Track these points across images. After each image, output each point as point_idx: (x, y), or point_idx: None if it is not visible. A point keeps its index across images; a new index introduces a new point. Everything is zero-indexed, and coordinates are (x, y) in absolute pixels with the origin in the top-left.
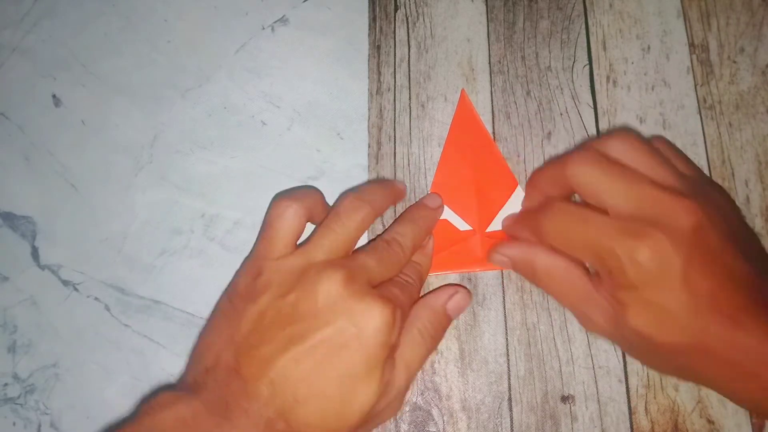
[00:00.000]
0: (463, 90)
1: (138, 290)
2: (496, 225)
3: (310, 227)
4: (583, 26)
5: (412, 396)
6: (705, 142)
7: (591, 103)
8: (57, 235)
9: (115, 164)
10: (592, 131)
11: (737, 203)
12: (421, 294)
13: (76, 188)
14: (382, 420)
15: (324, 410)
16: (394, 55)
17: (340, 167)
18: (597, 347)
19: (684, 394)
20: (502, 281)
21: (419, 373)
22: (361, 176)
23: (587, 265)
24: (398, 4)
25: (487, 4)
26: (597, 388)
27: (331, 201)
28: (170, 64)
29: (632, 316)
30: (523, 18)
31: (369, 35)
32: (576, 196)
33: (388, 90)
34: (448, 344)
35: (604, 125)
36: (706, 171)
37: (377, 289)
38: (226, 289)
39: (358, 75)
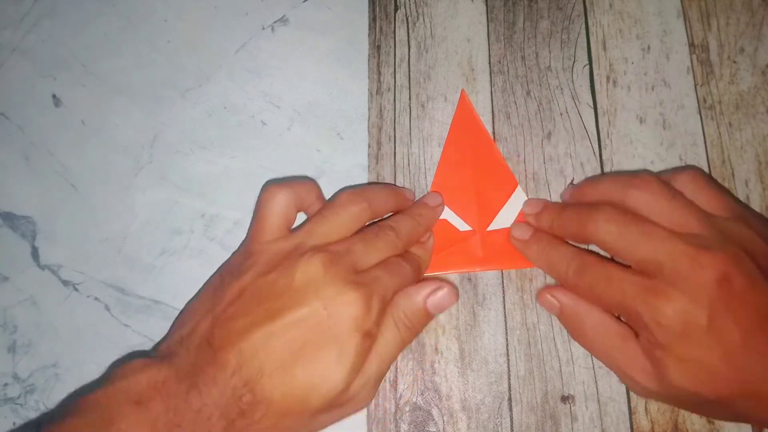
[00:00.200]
0: (463, 90)
1: (138, 290)
2: (496, 225)
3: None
4: (583, 26)
5: (412, 396)
6: (705, 142)
7: (591, 103)
8: (57, 235)
9: (115, 164)
10: (592, 131)
11: None
12: None
13: (76, 188)
14: (351, 409)
15: (289, 387)
16: (394, 55)
17: (340, 167)
18: None
19: None
20: (502, 281)
21: (419, 373)
22: (361, 176)
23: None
24: (398, 4)
25: (487, 4)
26: (597, 388)
27: None
28: (170, 64)
29: (672, 373)
30: (523, 18)
31: (369, 35)
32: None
33: (388, 90)
34: (448, 344)
35: (604, 125)
36: (706, 171)
37: (361, 273)
38: (219, 268)
39: (358, 75)
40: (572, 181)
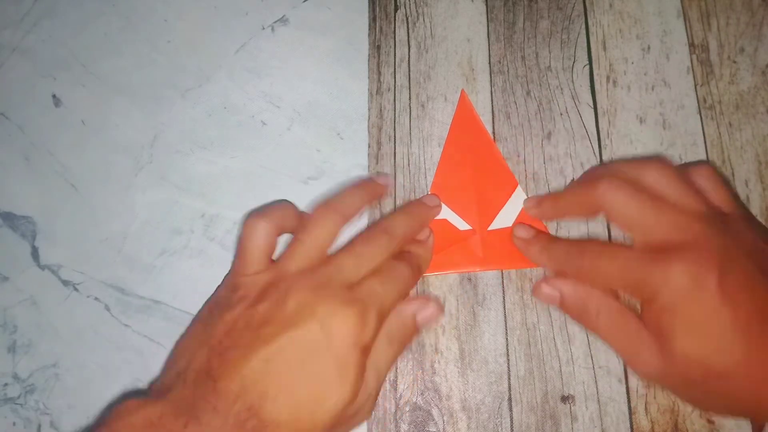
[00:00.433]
0: (462, 90)
1: (138, 290)
2: (496, 225)
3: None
4: (583, 26)
5: (412, 396)
6: (705, 142)
7: (591, 103)
8: (57, 235)
9: (115, 164)
10: (592, 131)
11: None
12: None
13: (76, 188)
14: (353, 424)
15: (294, 408)
16: (394, 55)
17: (340, 167)
18: (597, 347)
19: None
20: (502, 281)
21: (419, 373)
22: (361, 176)
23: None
24: (398, 4)
25: (487, 4)
26: (597, 388)
27: None
28: (170, 64)
29: (678, 340)
30: (523, 18)
31: (369, 35)
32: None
33: (388, 90)
34: (448, 344)
35: (604, 125)
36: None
37: (355, 288)
38: (206, 301)
39: (358, 75)
40: (572, 181)
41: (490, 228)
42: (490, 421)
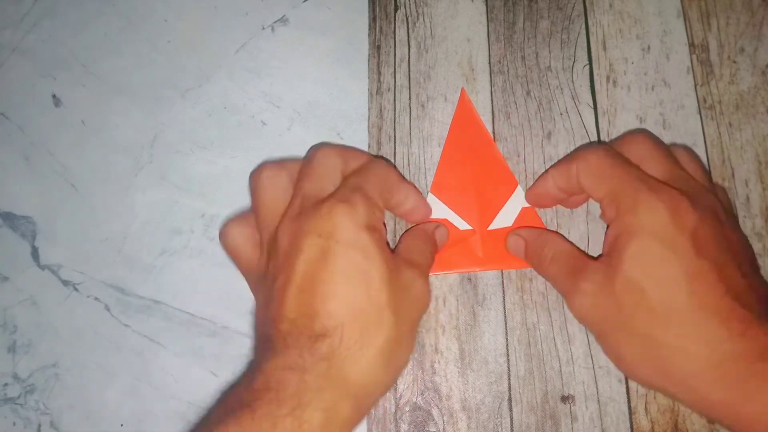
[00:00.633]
0: (463, 89)
1: (138, 290)
2: (496, 224)
3: None
4: (583, 26)
5: (412, 396)
6: (705, 142)
7: (591, 103)
8: (57, 235)
9: (115, 164)
10: (592, 131)
11: (737, 203)
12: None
13: (76, 188)
14: (410, 319)
15: (348, 301)
16: (394, 55)
17: None
18: (597, 347)
19: None
20: (502, 281)
21: (419, 373)
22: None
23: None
24: (398, 4)
25: (487, 4)
26: (597, 388)
27: None
28: (170, 64)
29: (629, 260)
30: (523, 18)
31: (369, 35)
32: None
33: (388, 90)
34: (448, 344)
35: (604, 125)
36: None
37: (334, 195)
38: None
39: (358, 75)
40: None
41: (490, 228)
42: (490, 421)
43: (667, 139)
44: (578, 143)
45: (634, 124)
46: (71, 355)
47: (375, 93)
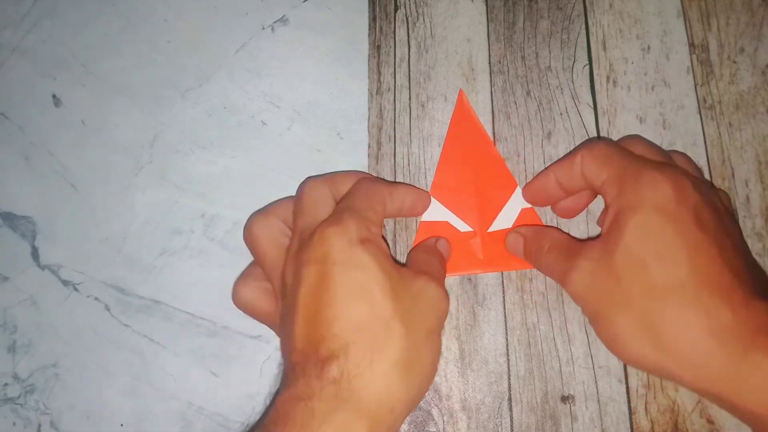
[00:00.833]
0: (461, 91)
1: (138, 290)
2: (496, 226)
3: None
4: (583, 26)
5: None
6: (705, 142)
7: (591, 103)
8: (57, 235)
9: (115, 164)
10: (592, 131)
11: (737, 203)
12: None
13: (76, 188)
14: (432, 316)
15: (351, 317)
16: (394, 55)
17: (340, 167)
18: (597, 347)
19: (684, 394)
20: (502, 281)
21: None
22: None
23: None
24: (398, 4)
25: (487, 4)
26: (597, 388)
27: None
28: (170, 64)
29: (631, 232)
30: (523, 18)
31: (369, 35)
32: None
33: (388, 90)
34: (448, 344)
35: (604, 125)
36: (706, 171)
37: (325, 220)
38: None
39: (358, 75)
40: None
41: (490, 229)
42: (490, 421)
43: (667, 139)
44: (578, 143)
45: (634, 124)
46: (71, 355)
47: (375, 93)
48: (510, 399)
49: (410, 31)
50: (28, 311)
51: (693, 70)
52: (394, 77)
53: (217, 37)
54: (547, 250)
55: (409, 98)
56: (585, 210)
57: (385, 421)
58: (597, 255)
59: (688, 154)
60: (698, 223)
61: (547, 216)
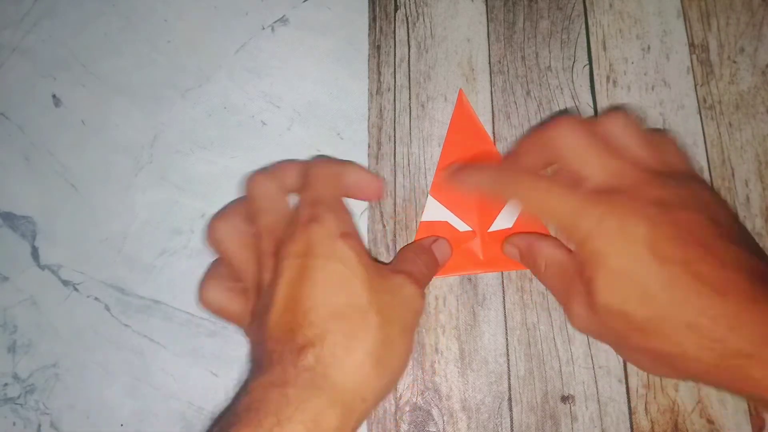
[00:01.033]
0: (461, 91)
1: (138, 290)
2: (496, 226)
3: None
4: (583, 26)
5: (412, 396)
6: (705, 142)
7: (591, 103)
8: (57, 235)
9: (115, 164)
10: None
11: (737, 203)
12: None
13: (76, 188)
14: (404, 327)
15: (331, 307)
16: (394, 55)
17: None
18: (597, 347)
19: (684, 394)
20: (502, 281)
21: (419, 373)
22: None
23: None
24: (398, 4)
25: (487, 4)
26: (597, 388)
27: None
28: (170, 64)
29: (601, 289)
30: (523, 18)
31: (369, 35)
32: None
33: (388, 90)
34: (448, 344)
35: None
36: (706, 171)
37: (299, 217)
38: None
39: (358, 75)
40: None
41: (490, 230)
42: (490, 421)
43: None
44: None
45: None
46: (71, 355)
47: (375, 93)
48: (510, 399)
49: (410, 31)
50: (28, 311)
51: (693, 70)
52: (394, 77)
53: (217, 37)
54: (543, 271)
55: (409, 98)
56: None
57: (357, 409)
58: (585, 307)
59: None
60: (657, 256)
61: None
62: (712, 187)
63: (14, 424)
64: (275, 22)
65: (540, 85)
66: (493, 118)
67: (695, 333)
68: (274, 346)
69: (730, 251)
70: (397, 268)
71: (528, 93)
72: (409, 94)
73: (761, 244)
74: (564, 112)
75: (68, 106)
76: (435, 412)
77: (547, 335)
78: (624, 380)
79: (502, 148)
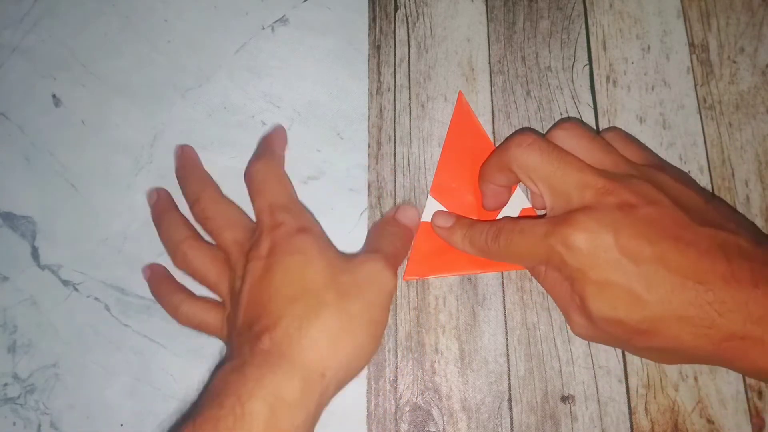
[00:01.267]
0: (460, 92)
1: (138, 290)
2: None
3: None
4: (583, 26)
5: (412, 396)
6: (705, 142)
7: (591, 103)
8: (57, 235)
9: (115, 164)
10: None
11: (737, 203)
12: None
13: (76, 188)
14: (377, 303)
15: (288, 294)
16: (394, 55)
17: (340, 167)
18: (597, 347)
19: (684, 394)
20: (502, 281)
21: (419, 373)
22: (361, 176)
23: None
24: (398, 4)
25: (487, 4)
26: (597, 388)
27: (329, 201)
28: (170, 64)
29: (592, 304)
30: (523, 18)
31: (369, 35)
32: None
33: (388, 90)
34: (448, 344)
35: (604, 125)
36: (706, 171)
37: (261, 227)
38: None
39: (358, 75)
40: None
41: None
42: (490, 421)
43: (667, 139)
44: None
45: (634, 124)
46: (71, 355)
47: (375, 93)
48: (510, 399)
49: (410, 31)
50: (28, 311)
51: (693, 70)
52: (394, 77)
53: (217, 37)
54: (545, 280)
55: (409, 98)
56: None
57: (317, 383)
58: (583, 320)
59: (688, 154)
60: (634, 260)
61: None
62: (675, 167)
63: (14, 424)
64: (275, 22)
65: (540, 85)
66: (493, 118)
67: (688, 324)
68: (237, 340)
69: (702, 235)
70: (364, 248)
71: (528, 93)
72: (409, 94)
73: None
74: (565, 115)
75: (68, 106)
76: (435, 412)
77: (547, 335)
78: (624, 380)
79: None
